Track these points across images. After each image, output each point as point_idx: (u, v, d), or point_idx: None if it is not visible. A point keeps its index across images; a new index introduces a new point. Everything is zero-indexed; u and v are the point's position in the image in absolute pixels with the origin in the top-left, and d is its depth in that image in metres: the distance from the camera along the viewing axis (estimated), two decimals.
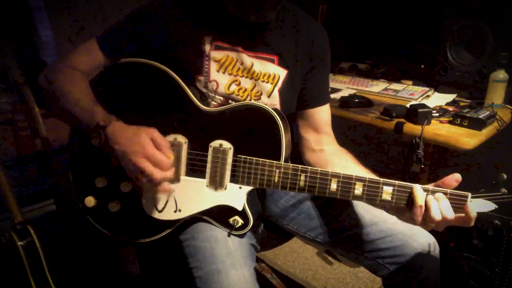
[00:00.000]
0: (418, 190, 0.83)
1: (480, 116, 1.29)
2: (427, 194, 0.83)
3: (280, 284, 1.81)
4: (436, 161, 1.91)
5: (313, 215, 1.13)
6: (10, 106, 1.68)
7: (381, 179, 0.86)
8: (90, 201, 1.00)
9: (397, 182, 0.85)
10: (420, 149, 1.26)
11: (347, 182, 0.87)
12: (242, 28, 0.98)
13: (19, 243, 1.19)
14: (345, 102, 1.57)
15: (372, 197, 0.87)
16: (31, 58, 2.16)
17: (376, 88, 1.80)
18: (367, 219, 1.06)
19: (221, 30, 0.99)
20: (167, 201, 0.97)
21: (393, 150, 2.26)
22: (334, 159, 1.07)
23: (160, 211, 0.97)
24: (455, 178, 0.83)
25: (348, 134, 2.47)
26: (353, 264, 1.99)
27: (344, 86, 1.85)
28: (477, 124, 1.28)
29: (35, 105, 1.53)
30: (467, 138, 1.22)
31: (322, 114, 1.12)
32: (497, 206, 0.82)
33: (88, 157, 1.00)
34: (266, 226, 1.23)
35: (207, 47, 0.99)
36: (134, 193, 0.98)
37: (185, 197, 0.96)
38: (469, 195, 0.82)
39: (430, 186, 0.85)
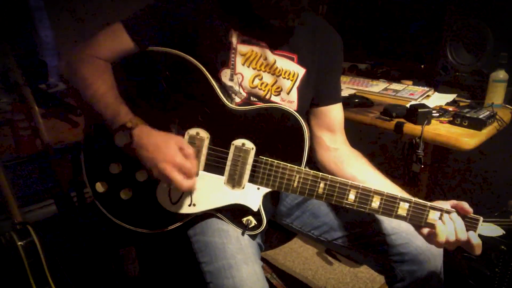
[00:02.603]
0: (439, 225, 0.84)
1: (480, 116, 1.29)
2: (441, 214, 0.85)
3: (280, 284, 1.81)
4: (436, 161, 1.92)
5: (317, 214, 1.14)
6: (10, 106, 1.68)
7: (399, 195, 0.88)
8: (101, 186, 1.00)
9: (414, 199, 0.87)
10: (420, 149, 1.26)
11: (365, 194, 0.88)
12: (267, 26, 0.99)
13: (19, 243, 1.19)
14: (345, 102, 1.56)
15: (388, 211, 0.88)
16: (31, 58, 2.16)
17: (376, 88, 1.80)
18: (371, 217, 1.06)
19: (248, 25, 1.00)
20: (182, 194, 0.96)
21: (393, 150, 2.26)
22: (350, 160, 1.08)
23: (174, 204, 0.97)
24: (465, 208, 0.84)
25: (348, 134, 2.47)
26: (353, 264, 1.99)
27: (344, 86, 1.85)
28: (477, 124, 1.28)
29: (35, 105, 1.53)
30: (467, 138, 1.22)
31: (336, 113, 1.13)
32: (504, 232, 0.84)
33: (105, 142, 0.98)
34: (269, 225, 1.23)
35: (234, 41, 0.99)
36: (149, 182, 0.97)
37: (202, 192, 0.96)
38: (481, 219, 0.85)
39: (444, 206, 0.86)
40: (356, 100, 1.57)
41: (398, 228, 1.03)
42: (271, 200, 1.11)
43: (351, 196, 0.89)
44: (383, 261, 1.05)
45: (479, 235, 0.84)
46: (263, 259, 0.99)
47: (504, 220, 0.85)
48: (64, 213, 1.66)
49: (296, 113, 0.93)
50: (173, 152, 0.84)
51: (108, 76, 0.95)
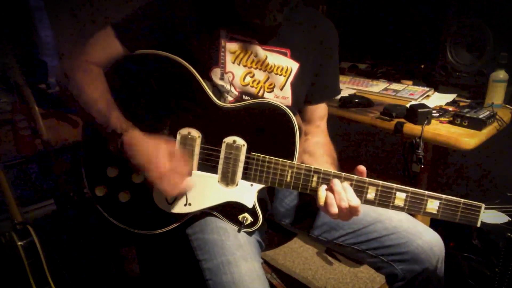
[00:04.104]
0: (321, 191, 0.87)
1: (480, 116, 1.28)
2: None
3: (280, 284, 1.81)
4: (436, 161, 1.91)
5: (317, 214, 1.13)
6: (10, 106, 1.68)
7: (394, 185, 0.86)
8: (100, 190, 1.01)
9: (410, 189, 0.86)
10: (420, 149, 1.26)
11: (360, 186, 0.87)
12: (253, 25, 0.99)
13: (19, 243, 1.20)
14: (345, 102, 1.57)
15: (384, 202, 0.87)
16: (31, 58, 2.16)
17: (376, 88, 1.80)
18: (372, 216, 1.06)
19: (236, 23, 1.00)
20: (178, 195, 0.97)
21: (393, 150, 2.26)
22: (308, 147, 1.10)
23: (170, 204, 0.98)
24: (357, 169, 0.87)
25: (347, 134, 2.48)
26: (353, 264, 1.99)
27: (344, 86, 1.85)
28: (477, 124, 1.27)
29: (35, 105, 1.53)
30: (467, 138, 1.22)
31: (320, 110, 1.15)
32: (510, 219, 0.82)
33: (101, 147, 0.99)
34: (269, 226, 1.23)
35: (223, 39, 1.00)
36: (145, 184, 0.98)
37: (196, 191, 0.97)
38: (483, 206, 0.83)
39: (444, 196, 0.85)
40: (356, 100, 1.57)
41: (398, 227, 1.03)
42: (267, 196, 1.11)
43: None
44: (383, 260, 1.05)
45: (483, 223, 0.83)
46: (263, 260, 0.99)
47: (509, 206, 0.82)
48: (64, 213, 1.66)
49: (284, 106, 0.93)
50: (163, 162, 0.86)
51: (100, 82, 0.97)
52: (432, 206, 0.85)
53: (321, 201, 0.87)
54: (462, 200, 0.83)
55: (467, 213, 0.83)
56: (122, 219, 1.03)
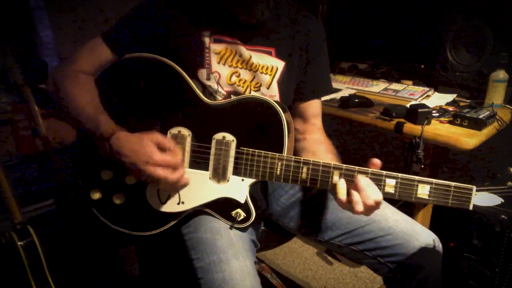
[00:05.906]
0: (341, 184, 0.85)
1: (480, 116, 1.28)
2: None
3: (280, 284, 1.81)
4: (436, 161, 1.92)
5: (313, 214, 1.13)
6: (10, 106, 1.69)
7: (384, 172, 0.85)
8: (95, 193, 1.01)
9: (400, 175, 0.85)
10: (420, 149, 1.26)
11: (349, 175, 0.87)
12: (237, 23, 1.00)
13: (19, 243, 1.20)
14: (345, 102, 1.57)
15: None
16: (31, 58, 2.16)
17: (376, 88, 1.80)
18: (368, 217, 1.05)
19: (219, 24, 1.01)
20: (170, 193, 0.97)
21: (393, 151, 2.26)
22: (309, 146, 1.10)
23: (163, 203, 0.98)
24: (372, 162, 0.85)
25: (348, 134, 2.48)
26: (353, 264, 1.99)
27: (344, 86, 1.85)
28: (477, 124, 1.28)
29: (35, 105, 1.53)
30: (467, 138, 1.22)
31: (313, 107, 1.15)
32: (503, 200, 0.79)
33: (94, 150, 1.00)
34: (267, 225, 1.23)
35: (207, 40, 1.01)
36: (139, 185, 0.99)
37: (189, 189, 0.97)
38: (474, 188, 0.81)
39: (434, 180, 0.83)
40: (356, 100, 1.57)
41: (394, 228, 1.03)
42: (261, 194, 1.11)
43: (335, 178, 0.87)
44: (380, 262, 1.05)
45: (476, 206, 0.81)
46: (263, 260, 0.99)
47: (501, 188, 0.80)
48: (64, 213, 1.66)
49: (270, 100, 0.93)
50: (150, 151, 0.86)
51: (89, 89, 0.99)
52: (423, 191, 0.83)
53: (343, 196, 0.84)
54: (453, 183, 0.82)
55: (458, 196, 0.81)
56: (118, 221, 1.03)
